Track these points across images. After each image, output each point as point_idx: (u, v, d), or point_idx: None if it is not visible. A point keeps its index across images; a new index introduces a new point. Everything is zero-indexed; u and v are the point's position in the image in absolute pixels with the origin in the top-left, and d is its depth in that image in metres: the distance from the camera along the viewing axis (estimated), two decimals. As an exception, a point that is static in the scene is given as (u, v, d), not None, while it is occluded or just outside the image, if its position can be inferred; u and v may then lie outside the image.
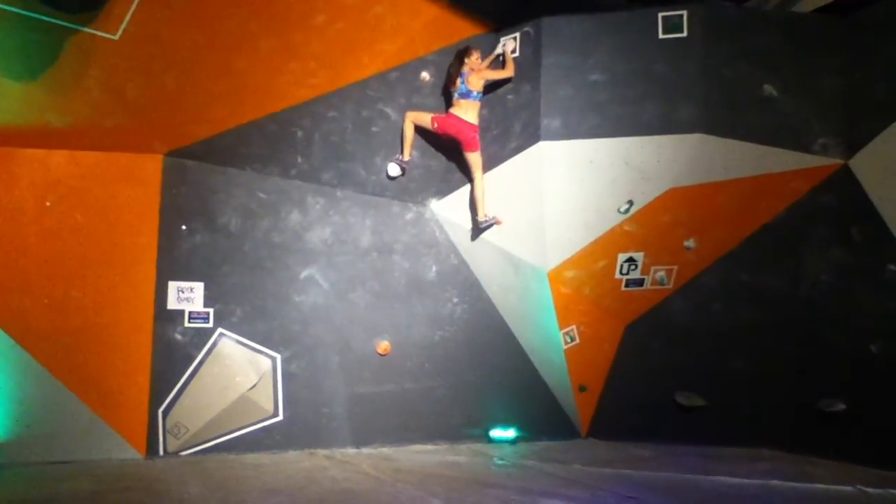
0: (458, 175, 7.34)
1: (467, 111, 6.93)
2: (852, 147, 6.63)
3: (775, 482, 5.63)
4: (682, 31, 6.73)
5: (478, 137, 6.96)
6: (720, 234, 7.20)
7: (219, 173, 6.74)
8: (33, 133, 5.97)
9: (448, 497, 5.05)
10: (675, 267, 7.41)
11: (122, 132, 6.17)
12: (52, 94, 5.74)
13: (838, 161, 6.69)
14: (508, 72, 7.02)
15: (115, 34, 5.46)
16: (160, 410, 6.42)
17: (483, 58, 7.08)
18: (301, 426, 6.85)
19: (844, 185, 6.67)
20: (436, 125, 7.00)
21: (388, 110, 7.07)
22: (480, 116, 7.03)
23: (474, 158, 7.01)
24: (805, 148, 6.72)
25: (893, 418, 6.13)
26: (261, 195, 6.87)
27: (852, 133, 6.64)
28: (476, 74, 6.90)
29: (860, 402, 6.45)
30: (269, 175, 6.89)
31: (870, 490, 5.37)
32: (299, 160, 6.91)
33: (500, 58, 7.16)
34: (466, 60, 6.92)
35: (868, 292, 6.53)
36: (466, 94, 6.90)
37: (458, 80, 6.95)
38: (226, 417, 6.62)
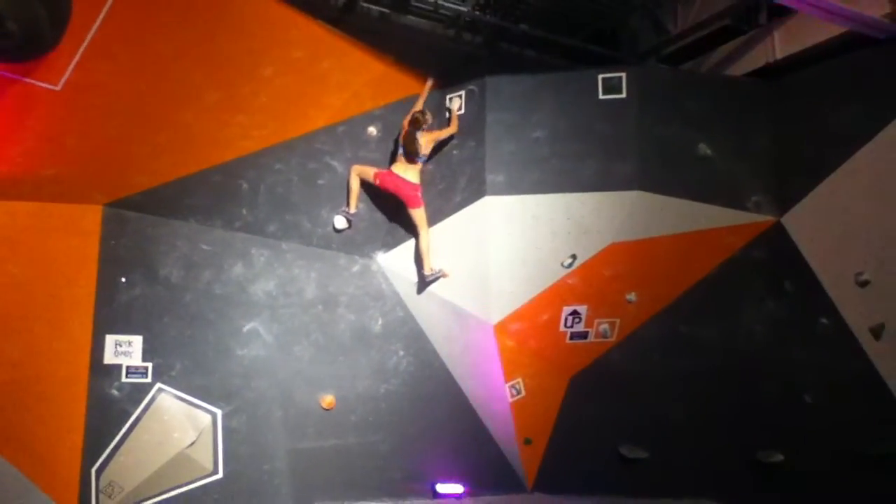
0: (405, 228, 7.39)
1: (407, 171, 7.00)
2: (784, 204, 6.92)
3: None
4: (620, 93, 6.98)
5: (419, 195, 7.04)
6: (659, 288, 7.37)
7: (161, 224, 6.64)
8: (-33, 183, 5.82)
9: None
10: (618, 319, 7.53)
11: (60, 182, 6.05)
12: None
13: (771, 218, 6.96)
14: (453, 128, 7.18)
15: (56, 85, 5.40)
16: (94, 469, 6.18)
17: (431, 115, 7.19)
18: (241, 484, 6.66)
19: (777, 241, 6.94)
20: (377, 181, 7.08)
21: (335, 163, 7.12)
22: (425, 172, 7.12)
23: (418, 214, 7.08)
24: (739, 205, 6.98)
25: (828, 468, 6.28)
26: (204, 247, 6.80)
27: (783, 191, 6.94)
28: (425, 136, 7.00)
29: (796, 452, 6.60)
30: (212, 227, 6.83)
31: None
32: (244, 212, 6.88)
33: (447, 114, 7.30)
34: (424, 126, 7.02)
35: (801, 344, 6.74)
36: (413, 156, 6.99)
37: (413, 142, 7.00)
38: (163, 475, 6.40)
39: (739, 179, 7.00)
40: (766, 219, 6.96)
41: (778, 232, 6.94)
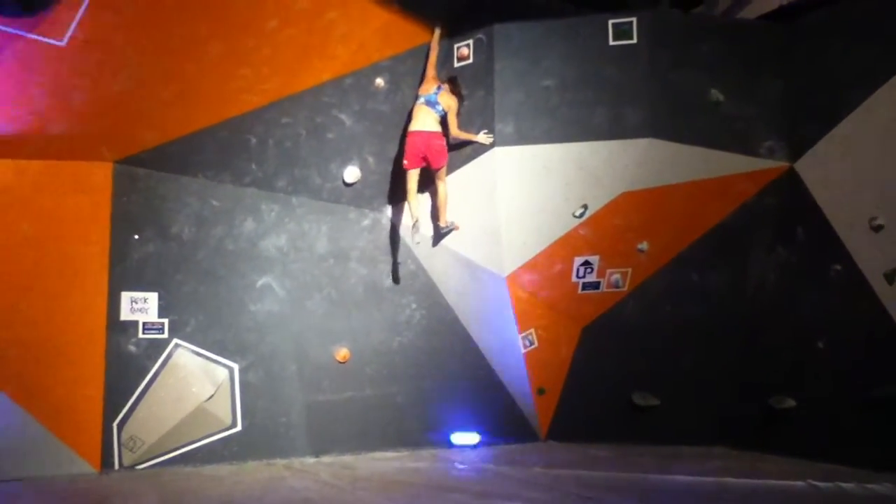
0: (415, 180, 7.35)
1: (426, 120, 6.86)
2: (797, 150, 6.85)
3: (728, 479, 5.75)
4: (631, 38, 6.87)
5: (445, 144, 6.89)
6: (671, 237, 7.35)
7: (170, 181, 6.63)
8: (-25, 142, 5.81)
9: (409, 502, 5.05)
10: (629, 269, 7.53)
11: (69, 140, 6.03)
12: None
13: (784, 164, 6.90)
14: (472, 136, 6.98)
15: (61, 40, 5.35)
16: (115, 423, 6.27)
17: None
18: (259, 436, 6.77)
19: (790, 188, 6.88)
20: (406, 163, 6.94)
21: (343, 116, 7.05)
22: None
23: (441, 171, 6.99)
24: (752, 151, 6.91)
25: (840, 413, 6.32)
26: (214, 203, 6.79)
27: (796, 136, 6.87)
28: (447, 95, 6.89)
29: (808, 398, 6.64)
30: (222, 183, 6.81)
31: (819, 484, 5.52)
32: (253, 167, 6.85)
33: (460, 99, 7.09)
34: (451, 88, 6.93)
35: (813, 290, 6.74)
36: (433, 104, 6.87)
37: (433, 87, 6.94)
38: (182, 429, 6.51)
39: (752, 125, 6.92)
40: (778, 165, 6.90)
41: (791, 178, 6.89)
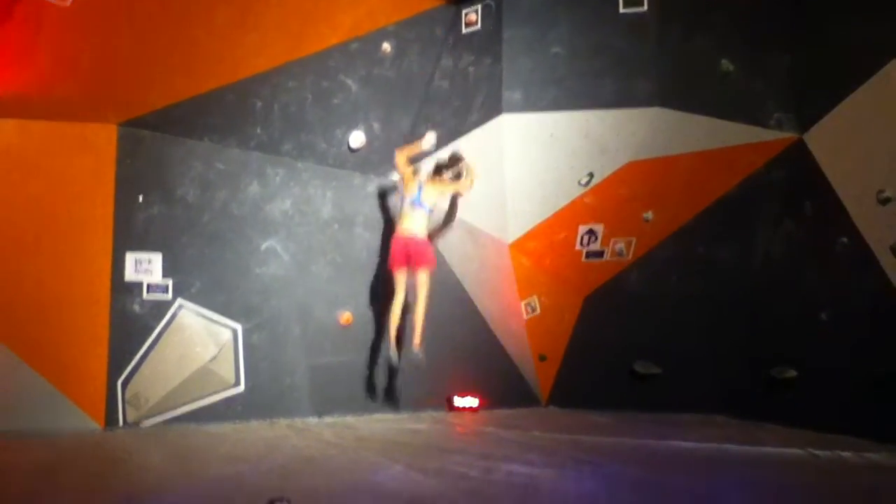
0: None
1: (411, 223, 6.44)
2: (806, 121, 6.77)
3: (728, 446, 5.79)
4: (641, 6, 6.78)
5: (430, 252, 6.44)
6: (677, 208, 7.33)
7: (176, 144, 6.63)
8: (-21, 101, 5.81)
9: (409, 463, 5.11)
10: (634, 239, 7.54)
11: (74, 101, 6.02)
12: (-1, 61, 5.59)
13: (793, 135, 6.83)
14: (465, 184, 6.69)
15: (65, 0, 5.33)
16: (119, 381, 6.36)
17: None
18: (262, 396, 6.86)
19: (798, 159, 6.82)
20: (390, 264, 6.66)
21: (349, 82, 7.01)
22: (439, 92, 6.95)
23: (423, 277, 6.50)
24: (760, 122, 6.85)
25: (841, 384, 6.34)
26: (219, 166, 6.80)
27: (806, 108, 6.78)
28: (434, 184, 6.56)
29: (810, 370, 6.66)
30: (227, 146, 6.82)
31: (818, 453, 5.56)
32: (258, 131, 6.84)
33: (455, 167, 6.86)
34: (436, 176, 6.59)
35: (819, 263, 6.71)
36: (418, 204, 6.49)
37: (415, 185, 6.61)
38: (186, 388, 6.60)
39: (761, 96, 6.84)
40: (787, 136, 6.83)
41: (799, 150, 6.82)
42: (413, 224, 6.36)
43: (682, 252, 7.44)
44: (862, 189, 6.36)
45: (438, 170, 6.65)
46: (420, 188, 6.60)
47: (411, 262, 6.42)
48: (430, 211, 6.59)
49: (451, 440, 6.23)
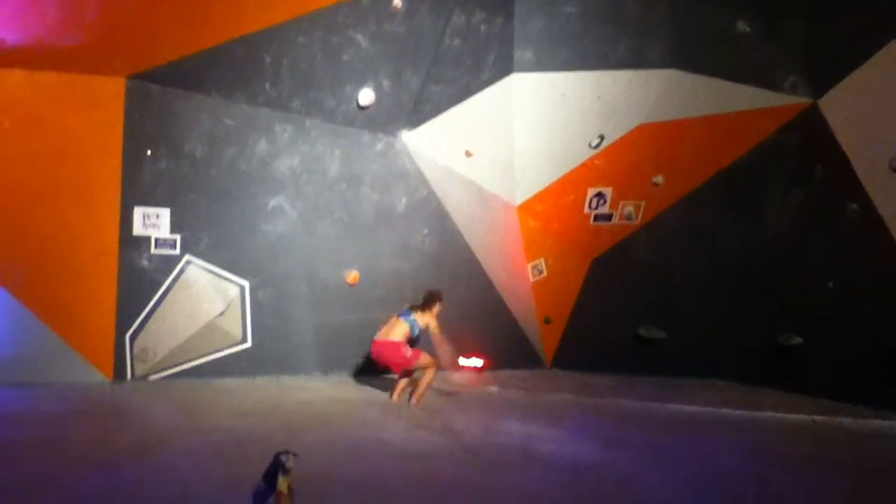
0: (430, 106, 7.27)
1: (392, 330, 6.03)
2: (821, 86, 6.68)
3: (727, 410, 5.85)
4: (657, -36, 6.64)
5: (403, 353, 5.96)
6: (687, 172, 7.28)
7: (184, 98, 6.58)
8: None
9: (413, 421, 5.18)
10: (643, 203, 7.50)
11: (82, 53, 5.96)
12: (5, 10, 5.52)
13: (807, 100, 6.75)
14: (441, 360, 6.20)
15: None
16: (127, 335, 6.43)
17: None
18: (269, 353, 6.92)
19: (811, 124, 6.75)
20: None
21: (359, 38, 6.90)
22: (450, 49, 6.82)
23: (419, 363, 6.05)
24: (774, 86, 6.77)
25: (844, 352, 6.35)
26: (227, 122, 6.76)
27: (821, 72, 6.69)
28: (422, 317, 6.14)
29: (814, 337, 6.67)
30: (235, 101, 6.76)
31: (817, 418, 5.60)
32: (267, 87, 6.77)
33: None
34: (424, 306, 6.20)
35: (827, 230, 6.68)
36: (407, 317, 6.10)
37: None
38: (194, 343, 6.66)
39: (776, 60, 6.75)
40: (801, 101, 6.75)
41: (813, 115, 6.74)
42: (391, 331, 6.05)
43: (690, 217, 7.41)
44: (875, 155, 6.30)
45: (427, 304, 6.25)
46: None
47: (388, 363, 6.15)
48: (419, 328, 6.12)
49: (455, 400, 6.28)
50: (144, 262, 6.50)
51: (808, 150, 6.87)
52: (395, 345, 5.94)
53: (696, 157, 7.21)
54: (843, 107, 6.56)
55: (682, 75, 6.74)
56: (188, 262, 6.64)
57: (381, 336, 6.05)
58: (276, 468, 3.25)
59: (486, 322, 7.70)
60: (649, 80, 6.80)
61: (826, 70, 6.63)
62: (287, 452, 3.30)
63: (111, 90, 6.29)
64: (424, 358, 5.99)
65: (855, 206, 6.45)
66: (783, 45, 6.72)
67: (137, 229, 6.47)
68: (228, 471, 3.79)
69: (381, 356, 6.06)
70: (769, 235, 7.15)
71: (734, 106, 6.83)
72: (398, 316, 6.08)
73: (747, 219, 7.26)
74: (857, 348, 6.28)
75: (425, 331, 6.15)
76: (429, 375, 6.00)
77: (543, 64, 6.90)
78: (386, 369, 6.39)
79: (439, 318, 6.14)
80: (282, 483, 3.24)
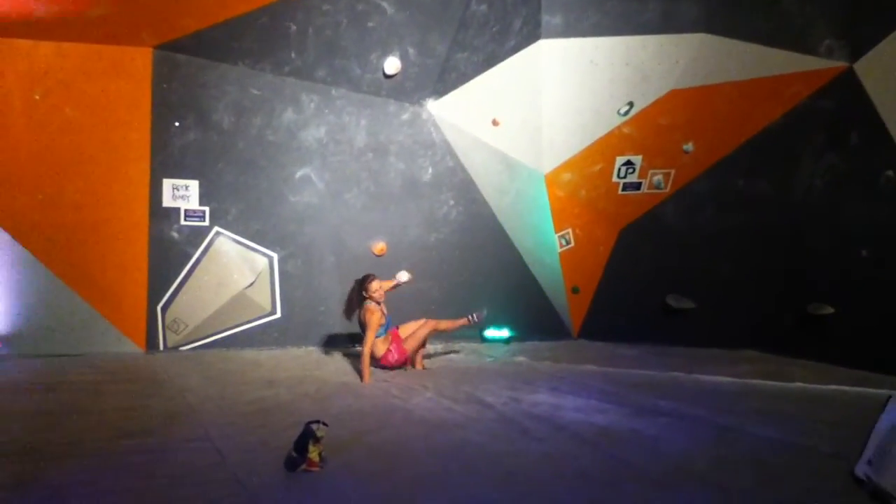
0: (455, 74, 7.18)
1: (377, 347, 5.94)
2: (857, 50, 6.48)
3: (755, 381, 5.79)
4: (688, -75, 6.47)
5: (391, 357, 5.95)
6: (718, 139, 7.14)
7: (211, 68, 6.58)
8: (17, 23, 5.78)
9: (440, 391, 5.20)
10: (672, 171, 7.39)
11: (110, 23, 5.97)
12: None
13: (842, 64, 6.55)
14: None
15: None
16: (159, 306, 6.52)
17: None
18: (298, 323, 6.99)
19: (847, 90, 6.56)
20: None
21: (385, 4, 6.81)
22: (475, 15, 6.70)
23: (413, 344, 6.06)
24: (809, 50, 6.58)
25: (877, 321, 6.25)
26: (254, 91, 6.75)
27: (858, 35, 6.48)
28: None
29: (846, 307, 6.56)
30: (261, 71, 6.74)
31: (847, 388, 5.53)
32: (293, 56, 6.74)
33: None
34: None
35: (861, 197, 6.53)
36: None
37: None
38: (224, 314, 6.74)
39: (811, 22, 6.55)
40: (837, 65, 6.55)
41: (848, 79, 6.55)
42: (377, 349, 5.96)
43: (720, 185, 7.28)
44: (913, 121, 6.13)
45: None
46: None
47: (404, 363, 6.10)
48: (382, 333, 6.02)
49: (482, 370, 6.30)
50: (174, 234, 6.57)
51: (843, 116, 6.70)
52: (387, 355, 5.99)
53: (727, 123, 7.07)
54: (880, 69, 6.36)
55: (714, 39, 6.59)
56: (217, 234, 6.69)
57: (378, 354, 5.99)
58: (306, 437, 3.30)
59: (513, 293, 7.69)
60: (680, 45, 6.66)
61: (863, 32, 6.42)
62: (317, 422, 3.33)
63: (139, 61, 6.30)
64: (412, 338, 6.07)
65: (891, 172, 6.29)
66: (820, 7, 6.53)
67: (167, 201, 6.52)
68: (260, 439, 3.83)
69: (396, 364, 6.06)
70: (801, 201, 7.00)
71: (767, 71, 6.66)
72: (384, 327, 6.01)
73: (779, 185, 7.11)
74: (891, 318, 6.17)
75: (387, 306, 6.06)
76: (431, 331, 6.08)
77: (572, 29, 6.78)
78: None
79: (380, 293, 5.96)
80: (312, 451, 3.29)
